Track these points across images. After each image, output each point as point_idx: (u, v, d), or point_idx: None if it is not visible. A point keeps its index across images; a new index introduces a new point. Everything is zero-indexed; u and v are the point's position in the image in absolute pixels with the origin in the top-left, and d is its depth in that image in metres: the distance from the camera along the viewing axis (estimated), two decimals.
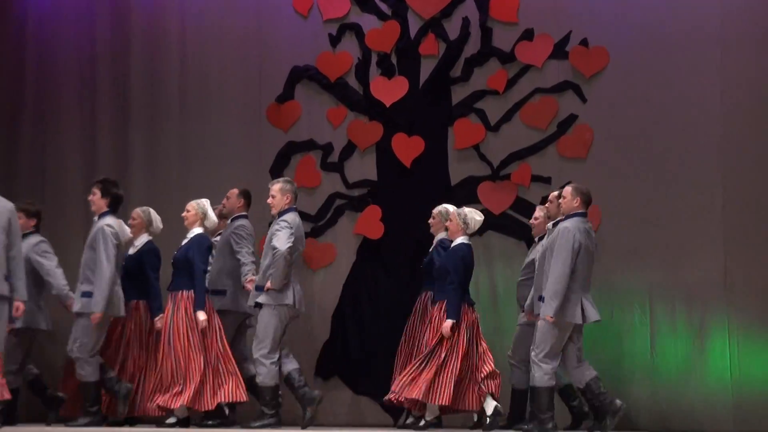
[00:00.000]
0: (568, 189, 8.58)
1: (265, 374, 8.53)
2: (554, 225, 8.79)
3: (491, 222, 10.00)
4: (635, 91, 10.10)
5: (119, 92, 11.59)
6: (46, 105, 11.77)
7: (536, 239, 9.39)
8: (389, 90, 10.88)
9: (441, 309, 8.72)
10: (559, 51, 10.40)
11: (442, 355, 8.55)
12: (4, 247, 7.89)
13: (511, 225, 10.07)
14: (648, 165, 9.89)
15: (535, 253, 9.21)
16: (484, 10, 10.62)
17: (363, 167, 10.74)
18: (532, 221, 9.44)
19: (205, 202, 9.07)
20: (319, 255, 10.31)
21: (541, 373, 8.19)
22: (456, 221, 9.01)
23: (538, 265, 8.75)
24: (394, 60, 10.92)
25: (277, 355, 8.61)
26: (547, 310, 8.12)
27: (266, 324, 8.53)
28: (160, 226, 9.53)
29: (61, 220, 10.62)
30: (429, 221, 9.41)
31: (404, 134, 10.68)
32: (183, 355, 8.51)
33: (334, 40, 11.02)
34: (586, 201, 8.49)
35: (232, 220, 9.37)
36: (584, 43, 10.28)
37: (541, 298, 8.39)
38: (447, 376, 8.51)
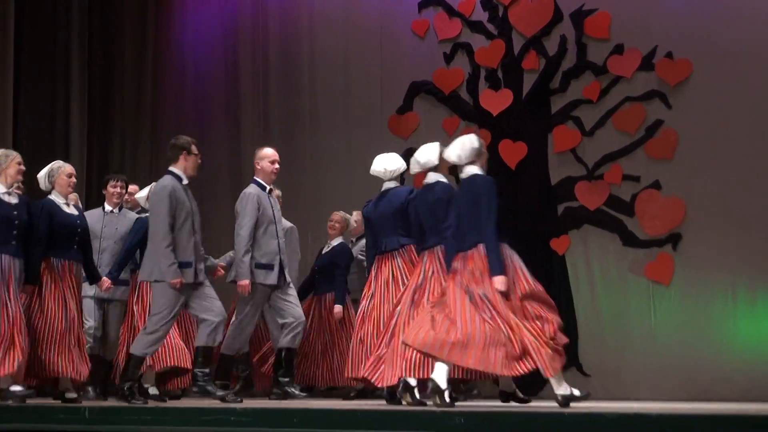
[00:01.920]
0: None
1: None
2: None
3: (587, 217, 10.24)
4: (716, 97, 10.11)
5: (259, 108, 12.18)
6: (202, 120, 12.29)
7: (353, 239, 10.03)
8: (496, 101, 11.09)
9: (331, 300, 9.46)
10: (647, 63, 10.46)
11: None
12: None
13: (605, 219, 10.20)
14: (729, 164, 9.91)
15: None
16: (580, 29, 10.79)
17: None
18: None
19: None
20: None
21: None
22: (342, 224, 9.74)
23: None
24: (500, 74, 11.14)
25: None
26: None
27: None
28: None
29: (215, 223, 10.76)
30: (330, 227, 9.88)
31: (510, 140, 10.85)
32: None
33: (448, 58, 11.32)
34: None
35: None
36: (669, 55, 10.34)
37: None
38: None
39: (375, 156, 11.08)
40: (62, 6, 11.99)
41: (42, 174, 8.06)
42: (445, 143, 10.84)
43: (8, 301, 7.31)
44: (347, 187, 11.09)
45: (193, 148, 7.58)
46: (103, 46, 12.45)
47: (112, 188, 8.89)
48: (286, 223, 9.21)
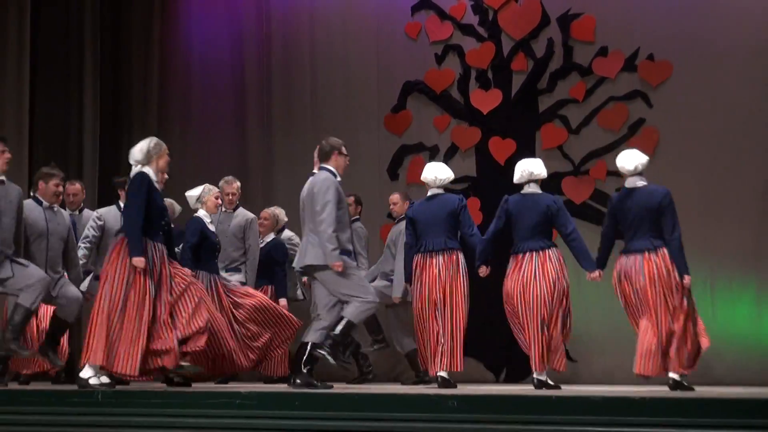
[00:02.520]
0: (397, 196, 9.71)
1: None
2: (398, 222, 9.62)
3: (573, 210, 9.81)
4: (696, 96, 10.28)
5: (263, 105, 12.10)
6: (207, 119, 12.34)
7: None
8: (486, 100, 11.20)
9: (272, 294, 9.47)
10: (630, 64, 10.60)
11: None
12: None
13: (590, 212, 10.29)
14: (707, 160, 10.09)
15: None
16: (566, 32, 10.93)
17: (464, 165, 11.02)
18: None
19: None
20: None
21: None
22: (272, 221, 9.86)
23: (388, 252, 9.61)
24: (490, 75, 11.23)
25: None
26: (397, 292, 9.10)
27: None
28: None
29: None
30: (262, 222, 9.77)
31: (499, 137, 10.97)
32: None
33: (440, 59, 11.39)
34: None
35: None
36: (650, 57, 10.50)
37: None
38: None
39: (372, 152, 11.31)
40: (75, 7, 12.13)
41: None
42: (435, 140, 11.05)
43: (157, 291, 7.28)
44: (346, 181, 10.93)
45: (343, 149, 7.84)
46: (112, 48, 12.54)
47: None
48: (248, 214, 9.58)
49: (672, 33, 10.52)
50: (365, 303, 7.55)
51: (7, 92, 11.07)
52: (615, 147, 10.50)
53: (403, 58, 11.63)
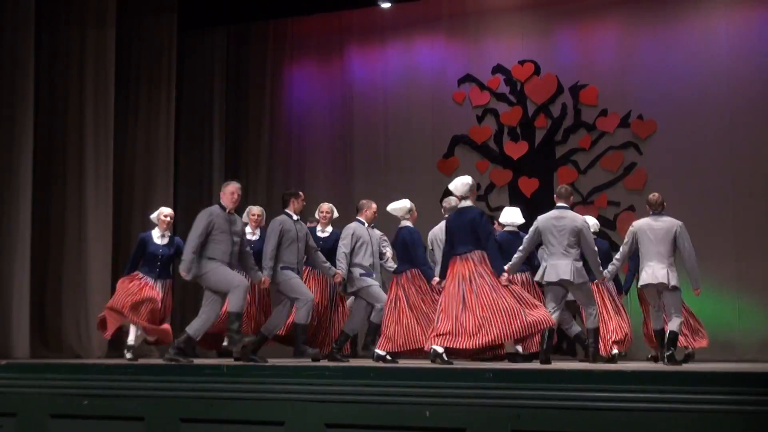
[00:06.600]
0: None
1: None
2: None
3: None
4: (675, 145, 11.03)
5: (345, 157, 12.80)
6: (303, 170, 13.01)
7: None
8: (516, 149, 11.94)
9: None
10: (624, 122, 11.39)
11: None
12: None
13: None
14: (685, 194, 10.65)
15: None
16: (576, 98, 11.71)
17: (500, 198, 11.74)
18: None
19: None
20: None
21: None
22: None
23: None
24: (518, 131, 11.95)
25: None
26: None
27: None
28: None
29: None
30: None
31: (526, 177, 11.74)
32: None
33: (480, 119, 12.14)
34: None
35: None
36: (640, 117, 11.34)
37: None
38: None
39: (428, 188, 11.58)
40: (208, 91, 13.27)
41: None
42: (478, 179, 11.56)
43: None
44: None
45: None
46: (234, 119, 13.53)
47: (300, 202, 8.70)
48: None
49: (657, 98, 11.34)
50: None
51: (159, 146, 12.25)
52: (614, 183, 11.43)
53: (452, 118, 12.29)
